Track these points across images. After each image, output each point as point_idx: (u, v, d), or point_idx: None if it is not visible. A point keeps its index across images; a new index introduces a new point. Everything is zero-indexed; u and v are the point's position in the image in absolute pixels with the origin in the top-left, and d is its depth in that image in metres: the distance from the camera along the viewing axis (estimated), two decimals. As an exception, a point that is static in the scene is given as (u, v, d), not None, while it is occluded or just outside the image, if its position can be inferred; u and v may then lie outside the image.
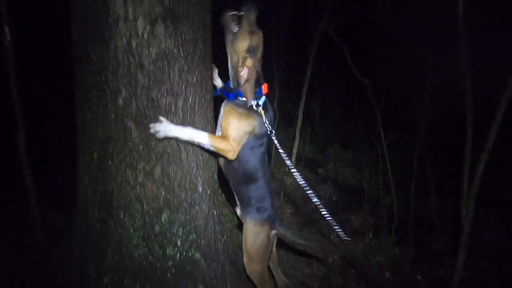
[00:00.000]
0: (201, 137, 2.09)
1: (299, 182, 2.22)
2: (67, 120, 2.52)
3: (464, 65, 2.51)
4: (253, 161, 2.23)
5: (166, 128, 2.05)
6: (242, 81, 2.13)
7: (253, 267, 2.32)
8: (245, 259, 2.33)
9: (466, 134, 2.43)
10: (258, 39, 2.14)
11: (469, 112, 2.40)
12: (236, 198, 2.42)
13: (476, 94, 2.54)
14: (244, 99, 2.17)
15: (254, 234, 2.29)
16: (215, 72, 2.50)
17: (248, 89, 2.11)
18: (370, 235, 3.94)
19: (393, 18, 4.33)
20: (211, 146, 2.10)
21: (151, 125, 2.05)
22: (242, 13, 2.11)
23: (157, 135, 2.05)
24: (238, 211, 2.50)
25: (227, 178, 2.36)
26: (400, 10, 4.43)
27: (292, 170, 2.26)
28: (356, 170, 5.71)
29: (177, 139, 2.11)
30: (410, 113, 4.27)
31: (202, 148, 2.24)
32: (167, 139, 2.12)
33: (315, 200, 2.20)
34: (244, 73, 2.12)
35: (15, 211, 3.47)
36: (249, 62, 2.11)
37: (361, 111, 6.19)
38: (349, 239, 2.32)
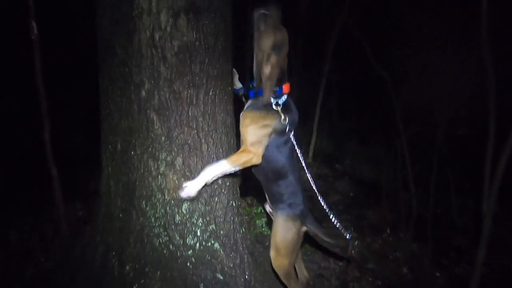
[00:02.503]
0: (222, 167, 2.08)
1: (312, 185, 2.30)
2: (91, 112, 2.58)
3: (486, 59, 2.46)
4: (281, 159, 2.20)
5: (191, 187, 2.10)
6: (264, 77, 2.13)
7: (279, 262, 2.28)
8: (272, 253, 2.29)
9: (489, 126, 2.39)
10: (282, 36, 2.13)
11: (492, 106, 2.36)
12: (267, 195, 2.41)
13: (498, 88, 2.49)
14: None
15: (285, 229, 2.25)
16: (236, 77, 2.52)
17: (268, 86, 2.10)
18: (388, 231, 3.92)
19: (413, 12, 4.27)
20: (235, 166, 2.09)
21: (182, 195, 2.12)
22: (268, 12, 2.13)
23: (190, 197, 2.13)
24: (268, 208, 2.49)
25: (257, 177, 2.35)
26: (420, 4, 4.37)
27: (307, 172, 2.30)
28: (374, 166, 5.66)
29: (206, 185, 2.13)
30: (430, 108, 4.21)
31: (222, 140, 2.27)
32: (188, 130, 2.16)
33: (323, 203, 2.29)
34: (267, 69, 2.12)
35: (40, 201, 3.58)
36: (273, 58, 2.10)
37: (380, 106, 6.12)
38: (350, 235, 2.34)
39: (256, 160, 2.12)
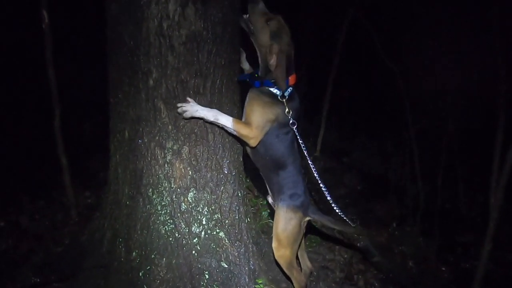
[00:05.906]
0: (226, 121, 2.11)
1: (317, 179, 2.26)
2: (101, 101, 2.61)
3: (497, 53, 2.44)
4: (280, 148, 2.22)
5: (193, 109, 2.09)
6: (272, 68, 2.13)
7: (281, 253, 2.29)
8: (274, 244, 2.30)
9: (499, 116, 2.37)
10: (277, 22, 2.13)
11: (502, 98, 2.34)
12: (267, 186, 2.42)
13: (509, 81, 2.47)
14: (271, 88, 2.17)
15: (286, 220, 2.26)
16: (243, 56, 2.52)
17: (279, 75, 2.10)
18: (394, 224, 3.90)
19: (423, 4, 4.22)
20: (234, 130, 2.12)
21: (179, 105, 2.11)
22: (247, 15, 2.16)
23: (184, 115, 2.10)
24: (270, 199, 2.48)
25: (257, 166, 2.36)
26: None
27: (310, 164, 2.28)
28: (382, 160, 5.64)
29: (203, 120, 2.15)
30: (440, 101, 4.17)
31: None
32: (195, 120, 2.17)
33: (327, 194, 2.27)
34: (273, 60, 2.12)
35: (51, 188, 3.64)
36: (276, 48, 2.10)
37: (389, 99, 6.07)
38: (356, 223, 2.34)
39: (253, 142, 2.15)
